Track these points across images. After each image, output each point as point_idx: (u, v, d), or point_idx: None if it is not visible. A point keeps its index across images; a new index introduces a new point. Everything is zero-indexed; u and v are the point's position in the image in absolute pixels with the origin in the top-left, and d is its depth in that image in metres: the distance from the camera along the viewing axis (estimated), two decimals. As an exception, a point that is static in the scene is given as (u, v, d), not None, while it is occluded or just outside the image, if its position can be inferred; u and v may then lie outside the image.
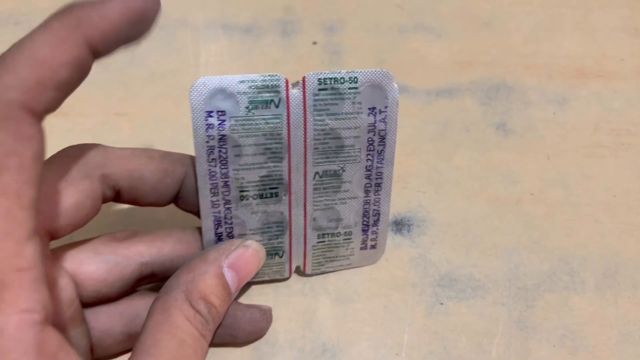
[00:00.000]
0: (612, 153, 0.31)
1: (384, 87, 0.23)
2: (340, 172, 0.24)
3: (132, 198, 0.23)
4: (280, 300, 0.26)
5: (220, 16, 0.36)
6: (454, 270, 0.27)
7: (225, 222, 0.24)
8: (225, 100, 0.22)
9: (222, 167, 0.22)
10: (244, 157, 0.23)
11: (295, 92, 0.22)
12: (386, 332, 0.26)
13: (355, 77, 0.23)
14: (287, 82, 0.22)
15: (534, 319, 0.26)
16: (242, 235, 0.24)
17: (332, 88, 0.22)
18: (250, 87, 0.22)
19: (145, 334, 0.20)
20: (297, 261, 0.26)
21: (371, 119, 0.23)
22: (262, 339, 0.25)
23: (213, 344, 0.22)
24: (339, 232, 0.26)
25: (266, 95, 0.22)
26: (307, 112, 0.23)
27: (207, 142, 0.22)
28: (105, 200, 0.22)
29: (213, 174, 0.22)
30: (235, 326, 0.24)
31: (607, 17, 0.37)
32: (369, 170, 0.24)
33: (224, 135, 0.22)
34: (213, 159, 0.22)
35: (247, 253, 0.23)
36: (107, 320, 0.23)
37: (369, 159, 0.24)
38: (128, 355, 0.20)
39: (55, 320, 0.17)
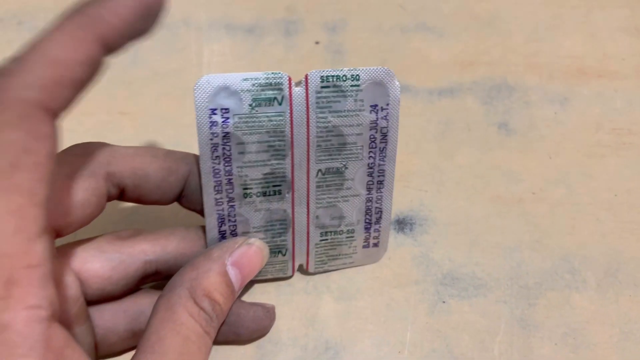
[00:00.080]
0: (614, 152, 0.32)
1: (385, 84, 0.23)
2: (343, 169, 0.24)
3: (136, 196, 0.23)
4: (283, 298, 0.27)
5: (223, 16, 0.36)
6: (456, 269, 0.28)
7: (229, 220, 0.24)
8: (229, 98, 0.22)
9: (226, 164, 0.23)
10: (248, 155, 0.23)
11: (298, 90, 0.22)
12: (389, 330, 0.26)
13: (357, 75, 0.23)
14: (290, 79, 0.22)
15: (536, 317, 0.26)
16: (245, 233, 0.24)
17: (335, 85, 0.23)
18: (253, 84, 0.22)
19: (150, 331, 0.20)
20: (300, 259, 0.26)
21: (373, 116, 0.23)
22: (266, 337, 0.25)
23: (216, 341, 0.22)
24: (341, 230, 0.26)
25: (269, 93, 0.22)
26: (310, 110, 0.23)
27: (211, 139, 0.22)
28: (109, 198, 0.22)
29: (217, 171, 0.23)
30: (239, 324, 0.24)
31: (608, 17, 0.37)
32: (371, 168, 0.25)
33: (227, 133, 0.22)
34: (217, 156, 0.22)
35: (251, 251, 0.23)
36: (111, 318, 0.23)
37: (371, 157, 0.24)
38: (132, 352, 0.20)
39: (61, 318, 0.17)
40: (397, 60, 0.35)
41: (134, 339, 0.24)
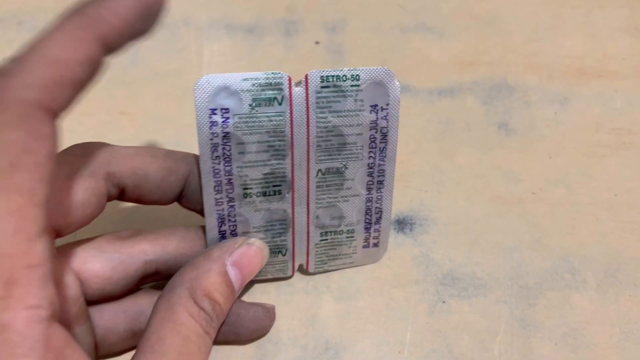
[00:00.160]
0: (614, 152, 0.32)
1: (385, 84, 0.23)
2: (343, 169, 0.24)
3: (136, 196, 0.23)
4: (283, 298, 0.27)
5: (223, 16, 0.36)
6: (456, 269, 0.28)
7: (229, 220, 0.24)
8: (229, 98, 0.22)
9: (226, 164, 0.23)
10: (248, 155, 0.23)
11: (298, 90, 0.22)
12: (389, 330, 0.26)
13: (357, 75, 0.23)
14: (289, 79, 0.22)
15: (536, 317, 0.26)
16: (245, 233, 0.24)
17: (335, 85, 0.23)
18: (253, 84, 0.22)
19: (150, 331, 0.20)
20: (300, 259, 0.26)
21: (373, 116, 0.23)
22: (266, 337, 0.25)
23: (217, 341, 0.23)
24: (341, 230, 0.26)
25: (269, 93, 0.22)
26: (310, 110, 0.23)
27: (211, 139, 0.22)
28: (109, 198, 0.23)
29: (217, 171, 0.23)
30: (239, 324, 0.24)
31: (608, 17, 0.37)
32: (371, 168, 0.25)
33: (227, 133, 0.22)
34: (217, 156, 0.22)
35: (251, 251, 0.23)
36: (111, 318, 0.23)
37: (371, 157, 0.24)
38: (132, 352, 0.20)
39: (61, 318, 0.17)
40: (397, 60, 0.35)
41: (134, 339, 0.24)
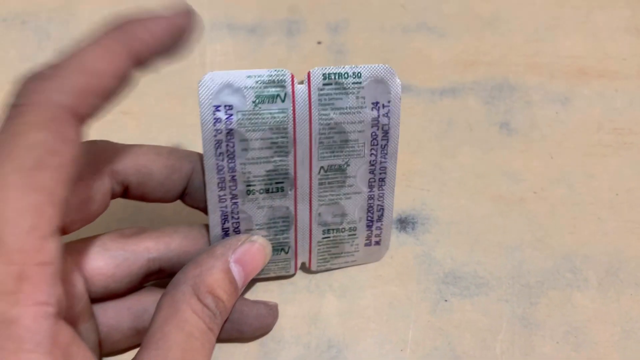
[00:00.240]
0: (615, 152, 0.32)
1: (387, 82, 0.23)
2: (345, 166, 0.24)
3: (140, 194, 0.23)
4: (286, 297, 0.27)
5: (226, 16, 0.37)
6: (458, 268, 0.28)
7: (232, 217, 0.24)
8: (233, 95, 0.22)
9: (230, 161, 0.23)
10: (251, 151, 0.23)
11: (300, 87, 0.23)
12: (391, 329, 0.26)
13: (358, 72, 0.23)
14: (292, 77, 0.22)
15: (537, 315, 0.26)
16: (248, 230, 0.24)
17: (337, 83, 0.23)
18: (257, 82, 0.22)
19: (154, 328, 0.20)
20: (302, 257, 0.26)
21: (374, 113, 0.24)
22: (269, 335, 0.25)
23: (220, 339, 0.23)
24: (343, 228, 0.26)
25: (272, 90, 0.22)
26: (312, 107, 0.23)
27: (215, 136, 0.22)
28: (113, 195, 0.23)
29: (220, 167, 0.23)
30: (242, 321, 0.24)
31: (609, 17, 0.37)
32: (372, 165, 0.25)
33: (231, 130, 0.22)
34: (220, 153, 0.22)
35: (254, 248, 0.23)
36: (115, 316, 0.23)
37: (372, 154, 0.24)
38: (136, 350, 0.20)
39: (66, 315, 0.17)
40: (399, 60, 0.35)
41: (138, 337, 0.24)
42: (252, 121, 0.22)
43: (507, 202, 0.30)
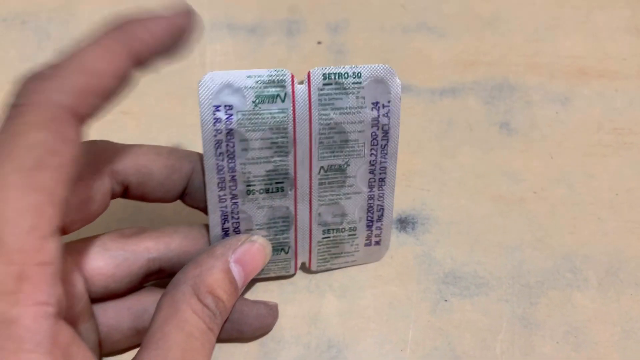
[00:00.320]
0: (615, 152, 0.32)
1: (386, 82, 0.23)
2: (345, 166, 0.24)
3: (140, 194, 0.23)
4: (286, 297, 0.27)
5: (226, 16, 0.37)
6: (458, 268, 0.28)
7: (232, 217, 0.24)
8: (233, 95, 0.22)
9: (230, 161, 0.23)
10: (251, 151, 0.23)
11: (300, 87, 0.23)
12: (391, 329, 0.26)
13: (358, 72, 0.23)
14: (292, 77, 0.22)
15: (537, 315, 0.26)
16: (248, 230, 0.24)
17: (337, 83, 0.23)
18: (257, 82, 0.22)
19: (154, 327, 0.20)
20: (302, 257, 0.26)
21: (374, 113, 0.24)
22: (269, 335, 0.25)
23: (220, 339, 0.23)
24: (343, 228, 0.26)
25: (272, 90, 0.22)
26: (312, 107, 0.23)
27: (215, 136, 0.22)
28: (113, 195, 0.23)
29: (220, 167, 0.23)
30: (242, 321, 0.24)
31: (609, 18, 0.37)
32: (372, 165, 0.25)
33: (231, 130, 0.22)
34: (221, 152, 0.22)
35: (254, 248, 0.23)
36: (115, 316, 0.23)
37: (372, 154, 0.24)
38: (136, 350, 0.20)
39: (66, 315, 0.17)
40: (399, 60, 0.35)
41: (138, 337, 0.24)
42: (252, 121, 0.22)
43: (507, 202, 0.30)
